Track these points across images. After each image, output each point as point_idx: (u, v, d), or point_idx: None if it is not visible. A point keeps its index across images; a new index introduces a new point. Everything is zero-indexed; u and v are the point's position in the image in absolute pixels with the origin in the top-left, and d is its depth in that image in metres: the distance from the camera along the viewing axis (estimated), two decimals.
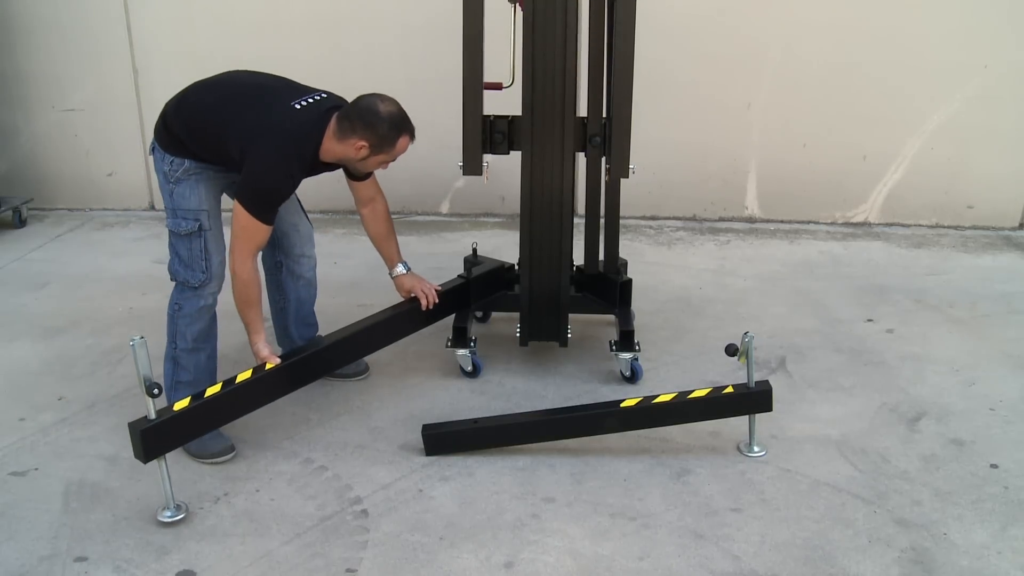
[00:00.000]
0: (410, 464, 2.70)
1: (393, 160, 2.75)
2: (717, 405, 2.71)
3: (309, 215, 3.13)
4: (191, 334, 2.76)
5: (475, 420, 2.79)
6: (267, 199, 2.59)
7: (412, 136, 2.74)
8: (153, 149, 2.74)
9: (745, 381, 2.68)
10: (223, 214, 2.76)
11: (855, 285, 4.15)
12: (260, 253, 2.80)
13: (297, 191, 2.75)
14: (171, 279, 2.77)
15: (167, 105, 2.74)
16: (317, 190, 5.16)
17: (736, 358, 2.62)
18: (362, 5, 4.83)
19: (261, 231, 2.59)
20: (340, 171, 2.87)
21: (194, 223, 2.68)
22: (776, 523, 2.42)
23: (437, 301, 3.08)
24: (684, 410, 2.71)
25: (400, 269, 3.08)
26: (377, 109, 2.64)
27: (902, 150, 4.93)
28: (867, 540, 2.35)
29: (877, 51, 4.73)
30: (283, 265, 3.06)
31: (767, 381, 2.71)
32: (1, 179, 5.28)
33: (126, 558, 2.29)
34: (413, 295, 3.08)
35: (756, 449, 2.74)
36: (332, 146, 2.65)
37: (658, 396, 2.71)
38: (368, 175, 2.92)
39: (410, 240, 4.79)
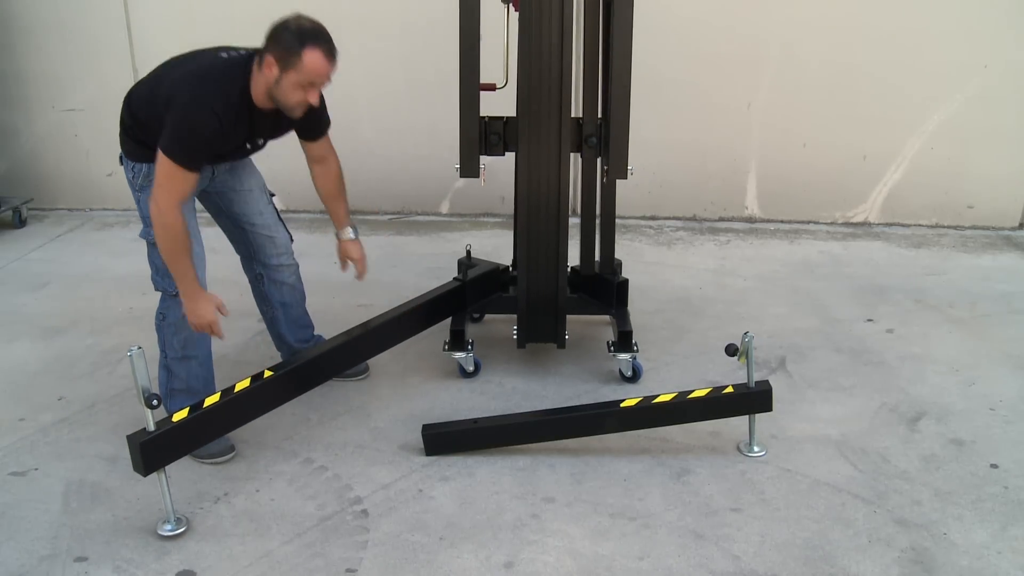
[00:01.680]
0: (410, 464, 2.70)
1: (312, 84, 2.50)
2: (717, 405, 2.71)
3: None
4: (178, 342, 2.71)
5: (475, 420, 2.79)
6: (187, 142, 2.42)
7: (328, 54, 2.51)
8: (120, 159, 2.71)
9: (745, 381, 2.68)
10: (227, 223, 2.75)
11: (855, 285, 4.15)
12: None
13: (279, 201, 2.73)
14: (154, 289, 2.74)
15: (121, 111, 2.67)
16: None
17: (736, 358, 2.62)
18: (362, 5, 4.83)
19: (183, 179, 2.44)
20: None
21: None
22: (776, 523, 2.42)
23: (365, 273, 3.04)
24: (684, 410, 2.71)
25: (349, 233, 2.99)
26: (286, 21, 2.52)
27: (902, 150, 4.93)
28: (867, 540, 2.35)
29: (877, 51, 4.73)
30: (263, 276, 3.00)
31: (767, 381, 2.71)
32: (1, 179, 5.28)
33: (126, 558, 2.29)
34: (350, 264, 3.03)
35: (756, 449, 2.74)
36: (256, 81, 2.51)
37: (658, 396, 2.71)
38: (316, 133, 2.83)
39: (410, 240, 4.80)
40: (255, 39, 2.45)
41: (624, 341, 3.12)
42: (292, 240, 3.02)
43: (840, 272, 4.33)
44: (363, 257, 3.01)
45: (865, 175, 5.00)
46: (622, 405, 2.70)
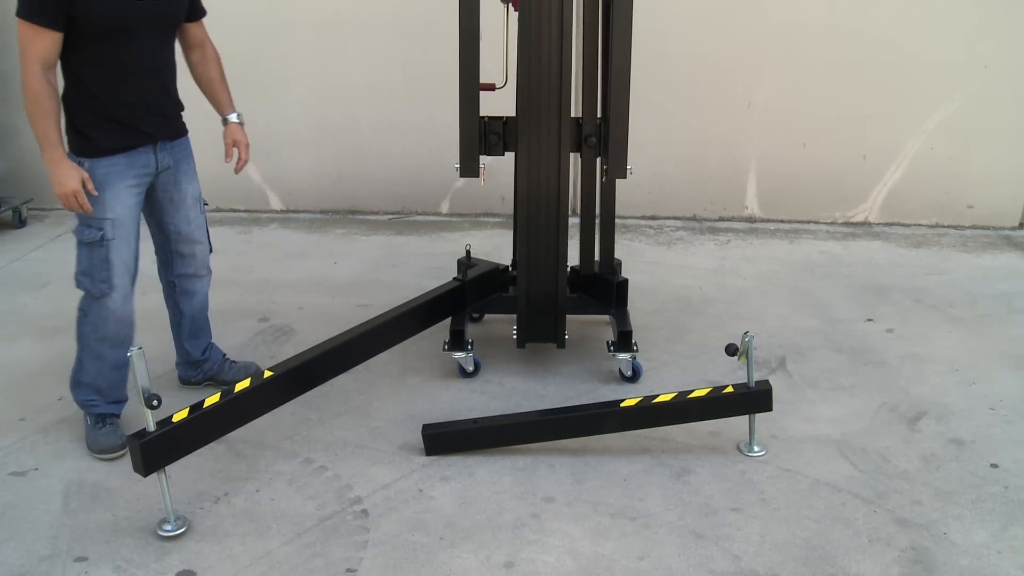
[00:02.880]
0: (410, 464, 2.70)
1: None
2: (717, 405, 2.71)
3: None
4: (95, 341, 2.71)
5: (475, 420, 2.79)
6: None
7: None
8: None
9: (745, 381, 2.68)
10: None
11: (855, 285, 4.15)
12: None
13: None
14: (76, 286, 2.70)
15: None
16: (317, 190, 5.19)
17: (736, 358, 2.62)
18: (362, 5, 4.83)
19: (40, 38, 2.38)
20: None
21: (96, 232, 2.60)
22: (776, 523, 2.42)
23: (246, 162, 2.99)
24: (684, 410, 2.71)
25: (235, 116, 2.94)
26: None
27: (902, 149, 4.93)
28: (867, 540, 2.35)
29: (877, 50, 4.73)
30: (176, 285, 2.97)
31: (767, 381, 2.71)
32: (1, 179, 5.28)
33: (126, 558, 2.29)
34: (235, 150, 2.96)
35: (756, 449, 2.74)
36: None
37: (658, 396, 2.71)
38: (198, 14, 2.82)
39: (410, 240, 4.80)
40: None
41: (624, 341, 3.12)
42: (212, 252, 3.00)
43: (840, 272, 4.33)
44: (247, 144, 2.95)
45: (865, 175, 5.00)
46: (622, 405, 2.70)
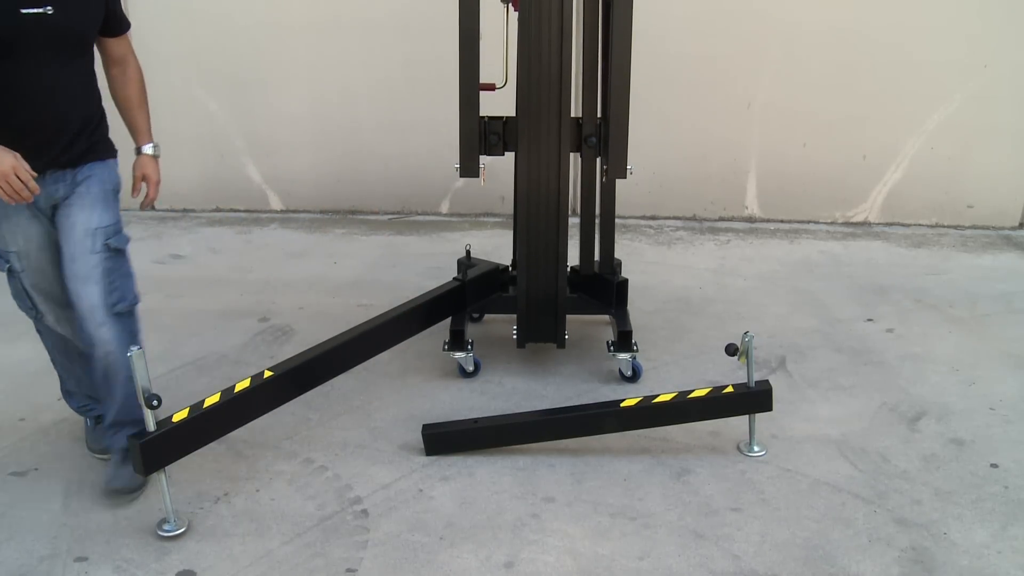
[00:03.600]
0: (410, 464, 2.70)
1: None
2: (717, 405, 2.71)
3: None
4: (57, 353, 2.68)
5: (475, 420, 2.79)
6: None
7: None
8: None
9: (745, 381, 2.68)
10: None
11: (855, 285, 4.15)
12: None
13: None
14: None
15: None
16: (317, 190, 5.19)
17: (736, 358, 2.62)
18: (362, 5, 4.83)
19: None
20: None
21: (4, 264, 2.47)
22: (776, 523, 2.42)
23: (153, 200, 2.67)
24: (684, 410, 2.71)
25: (151, 148, 2.62)
26: None
27: (902, 150, 4.94)
28: (867, 540, 2.35)
29: (877, 51, 4.73)
30: (80, 328, 2.46)
31: (767, 381, 2.71)
32: None
33: (126, 558, 2.29)
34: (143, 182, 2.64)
35: (756, 449, 2.74)
36: None
37: (658, 396, 2.71)
38: (116, 26, 2.48)
39: (410, 240, 4.80)
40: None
41: (624, 341, 3.12)
42: (115, 306, 2.42)
43: (840, 272, 4.33)
44: (158, 180, 2.63)
45: (865, 175, 5.00)
46: (622, 405, 2.70)
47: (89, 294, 2.39)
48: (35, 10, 2.18)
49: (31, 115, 2.30)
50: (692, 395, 2.69)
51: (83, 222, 2.41)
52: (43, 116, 2.32)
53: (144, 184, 2.62)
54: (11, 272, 2.47)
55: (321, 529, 2.40)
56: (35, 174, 2.23)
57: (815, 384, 3.18)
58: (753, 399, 2.68)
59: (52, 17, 2.20)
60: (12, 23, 2.16)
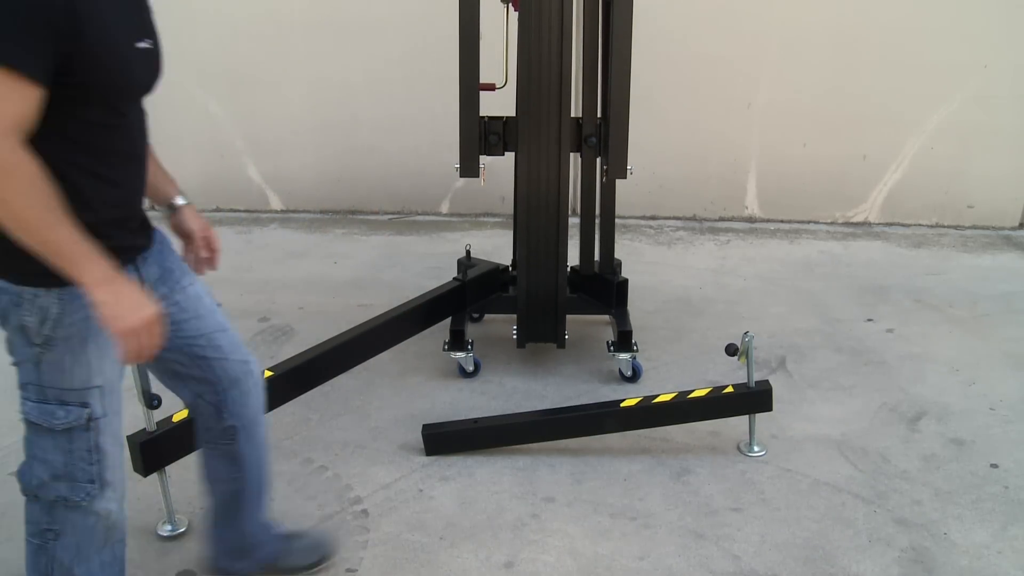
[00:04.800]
0: (410, 464, 2.70)
1: None
2: (717, 405, 2.71)
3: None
4: (78, 564, 1.77)
5: (475, 420, 2.79)
6: (14, 15, 1.38)
7: None
8: None
9: (745, 381, 2.68)
10: None
11: (855, 285, 4.15)
12: (198, 423, 2.00)
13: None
14: (26, 492, 1.72)
15: None
16: (317, 189, 5.19)
17: (736, 358, 2.62)
18: (362, 5, 4.83)
19: (13, 91, 1.39)
20: None
21: (79, 412, 1.65)
22: (776, 523, 2.42)
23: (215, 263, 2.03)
24: (684, 410, 2.71)
25: (181, 200, 1.94)
26: None
27: (902, 150, 4.93)
28: (867, 540, 2.35)
29: (877, 51, 4.73)
30: (238, 432, 1.99)
31: (767, 381, 2.71)
32: None
33: (126, 558, 2.28)
34: (192, 241, 1.96)
35: (756, 449, 2.74)
36: None
37: (658, 396, 2.71)
38: None
39: (410, 240, 4.80)
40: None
41: (624, 341, 3.12)
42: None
43: (840, 272, 4.33)
44: (206, 230, 1.97)
45: (865, 175, 5.00)
46: (622, 405, 2.70)
47: (233, 337, 1.94)
48: (144, 44, 1.63)
49: (137, 184, 1.72)
50: (692, 395, 2.69)
51: (195, 281, 1.89)
52: (142, 183, 1.75)
53: (205, 240, 1.97)
54: (86, 426, 1.66)
55: (321, 529, 2.40)
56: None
57: (815, 384, 3.18)
58: (753, 399, 2.68)
59: (154, 52, 1.69)
60: (134, 60, 1.59)
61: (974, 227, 5.02)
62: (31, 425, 1.66)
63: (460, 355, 3.16)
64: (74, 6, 1.42)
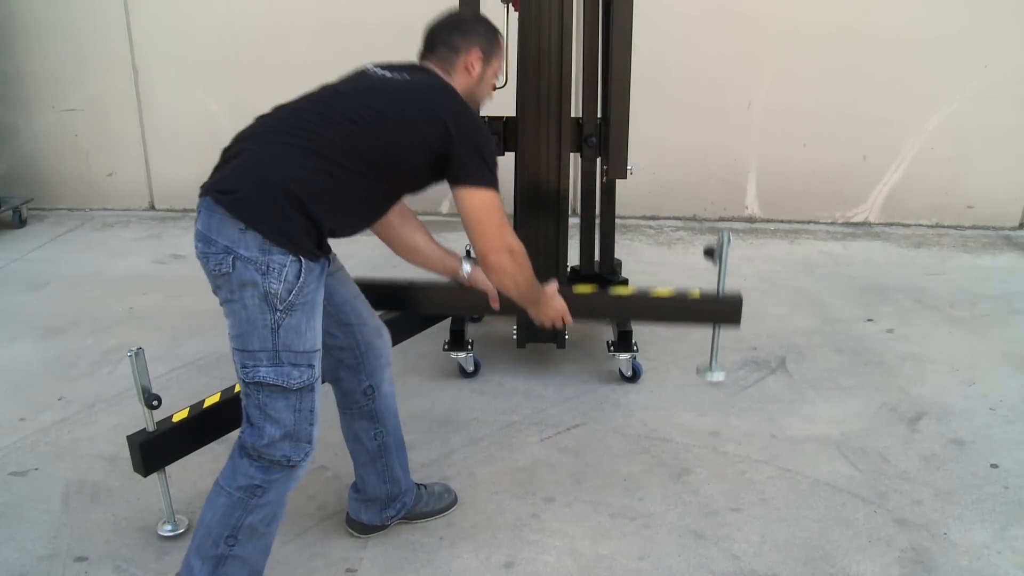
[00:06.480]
0: (410, 464, 2.69)
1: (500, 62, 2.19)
2: (679, 307, 2.51)
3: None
4: (263, 525, 1.93)
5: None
6: (493, 157, 1.96)
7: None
8: (210, 241, 1.79)
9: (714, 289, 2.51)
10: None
11: (855, 285, 4.15)
12: (339, 389, 2.22)
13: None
14: (249, 454, 1.89)
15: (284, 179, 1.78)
16: None
17: (713, 260, 2.43)
18: (362, 6, 4.83)
19: (500, 199, 1.97)
20: None
21: (307, 372, 1.86)
22: (776, 523, 2.42)
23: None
24: (641, 308, 2.51)
25: (468, 266, 2.40)
26: (460, 15, 2.25)
27: (902, 150, 4.94)
28: (867, 540, 2.35)
29: (877, 51, 4.73)
30: (375, 390, 2.22)
31: (739, 292, 2.55)
32: (1, 179, 5.28)
33: (126, 558, 2.29)
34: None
35: (715, 372, 2.50)
36: (457, 83, 2.09)
37: (616, 287, 2.51)
38: None
39: None
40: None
41: (624, 341, 3.12)
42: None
43: (840, 272, 4.33)
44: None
45: (865, 175, 5.01)
46: (575, 290, 2.49)
47: (366, 304, 2.18)
48: None
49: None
50: (655, 293, 2.50)
51: (351, 283, 2.18)
52: None
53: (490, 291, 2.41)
54: (311, 386, 1.88)
55: (321, 529, 2.40)
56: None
57: (815, 384, 3.18)
58: (720, 309, 2.41)
59: None
60: None
61: (974, 227, 5.02)
62: (265, 387, 1.83)
63: (460, 355, 3.16)
64: None
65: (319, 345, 1.89)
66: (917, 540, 2.35)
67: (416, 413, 2.97)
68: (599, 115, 3.10)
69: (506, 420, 2.93)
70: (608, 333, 3.44)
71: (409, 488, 2.37)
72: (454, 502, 2.48)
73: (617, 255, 3.43)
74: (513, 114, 2.99)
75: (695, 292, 2.52)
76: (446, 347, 3.16)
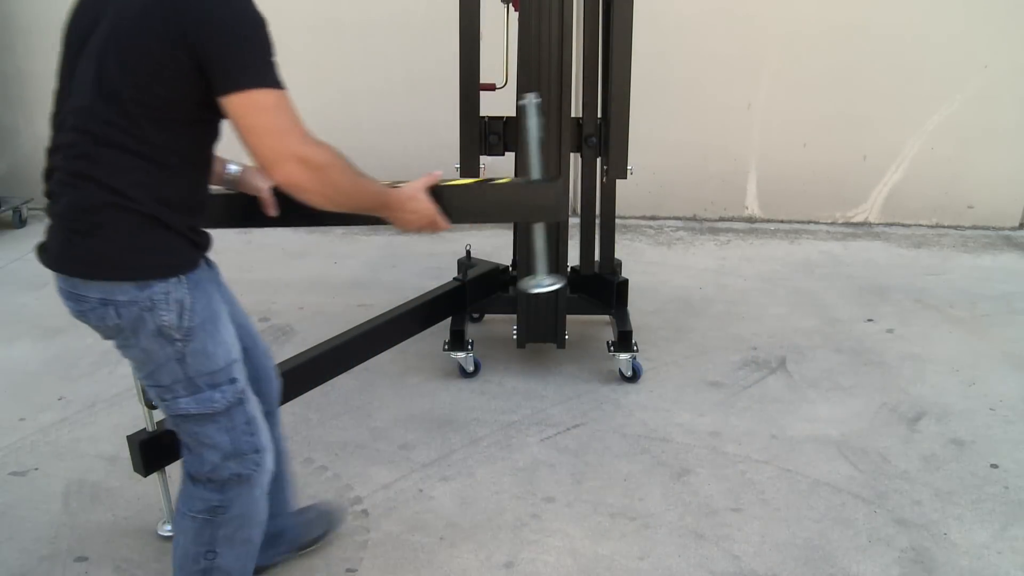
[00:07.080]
0: (410, 464, 2.70)
1: None
2: (493, 199, 2.16)
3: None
4: (239, 534, 1.87)
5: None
6: (271, 49, 1.69)
7: None
8: (80, 298, 1.62)
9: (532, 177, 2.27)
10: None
11: (855, 285, 4.15)
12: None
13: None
14: (198, 480, 1.83)
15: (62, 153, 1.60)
16: None
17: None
18: (362, 5, 4.83)
19: (289, 99, 1.66)
20: None
21: (230, 388, 1.73)
22: (776, 523, 2.42)
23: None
24: (473, 202, 2.16)
25: (234, 166, 2.09)
26: None
27: (902, 150, 4.94)
28: (867, 540, 2.35)
29: (877, 51, 4.73)
30: (272, 416, 2.06)
31: (559, 178, 2.23)
32: (1, 179, 5.28)
33: (126, 558, 2.29)
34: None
35: (546, 280, 2.18)
36: None
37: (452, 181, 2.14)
38: None
39: (410, 240, 4.79)
40: None
41: (624, 341, 3.12)
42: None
43: (840, 272, 4.33)
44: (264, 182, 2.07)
45: (865, 175, 5.01)
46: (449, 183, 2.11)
47: (254, 327, 2.04)
48: None
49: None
50: (489, 182, 2.17)
51: (235, 299, 2.01)
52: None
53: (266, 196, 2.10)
54: (240, 400, 1.76)
55: None
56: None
57: (815, 384, 3.18)
58: (531, 196, 2.01)
59: None
60: None
61: (974, 227, 5.02)
62: (190, 418, 1.73)
63: (460, 355, 3.16)
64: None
65: (235, 354, 1.74)
66: (917, 540, 2.35)
67: (416, 413, 2.98)
68: (599, 115, 3.09)
69: (506, 420, 2.93)
70: (608, 333, 3.44)
71: (292, 525, 2.23)
72: (334, 525, 2.33)
73: (617, 255, 3.43)
74: (513, 114, 2.99)
75: (504, 179, 2.15)
76: (446, 347, 3.16)
